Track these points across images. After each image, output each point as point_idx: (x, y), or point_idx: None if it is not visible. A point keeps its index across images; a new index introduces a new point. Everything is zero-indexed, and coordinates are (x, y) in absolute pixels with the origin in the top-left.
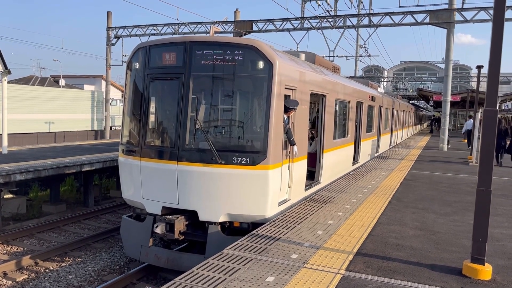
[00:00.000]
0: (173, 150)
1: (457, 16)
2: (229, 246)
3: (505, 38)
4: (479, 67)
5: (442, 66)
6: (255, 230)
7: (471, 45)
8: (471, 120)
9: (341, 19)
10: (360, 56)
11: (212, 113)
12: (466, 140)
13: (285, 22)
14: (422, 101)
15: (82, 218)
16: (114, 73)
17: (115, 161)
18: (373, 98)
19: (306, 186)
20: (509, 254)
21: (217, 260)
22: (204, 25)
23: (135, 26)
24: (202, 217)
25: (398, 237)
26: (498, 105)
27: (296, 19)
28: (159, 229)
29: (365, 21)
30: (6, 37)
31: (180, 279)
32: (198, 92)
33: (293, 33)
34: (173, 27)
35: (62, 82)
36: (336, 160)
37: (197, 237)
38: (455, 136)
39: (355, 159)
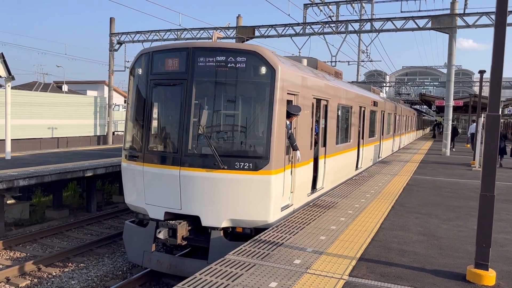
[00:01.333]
0: (176, 156)
1: (459, 21)
2: (232, 251)
3: (507, 43)
4: (482, 72)
5: (444, 71)
6: (258, 236)
7: (473, 50)
8: (475, 125)
9: (343, 25)
10: (362, 61)
11: (214, 119)
12: (469, 145)
13: (287, 28)
14: (424, 106)
15: (85, 223)
16: (116, 79)
17: (118, 167)
18: (375, 103)
19: (308, 191)
20: None
21: (220, 266)
22: (206, 31)
23: (137, 32)
24: (205, 222)
25: (401, 243)
26: (500, 110)
27: (298, 24)
28: (162, 235)
29: (367, 26)
30: (9, 43)
31: (183, 285)
32: (200, 98)
33: (295, 38)
34: (176, 33)
35: (65, 87)
36: (339, 165)
37: (199, 243)
38: (458, 141)
39: (357, 164)
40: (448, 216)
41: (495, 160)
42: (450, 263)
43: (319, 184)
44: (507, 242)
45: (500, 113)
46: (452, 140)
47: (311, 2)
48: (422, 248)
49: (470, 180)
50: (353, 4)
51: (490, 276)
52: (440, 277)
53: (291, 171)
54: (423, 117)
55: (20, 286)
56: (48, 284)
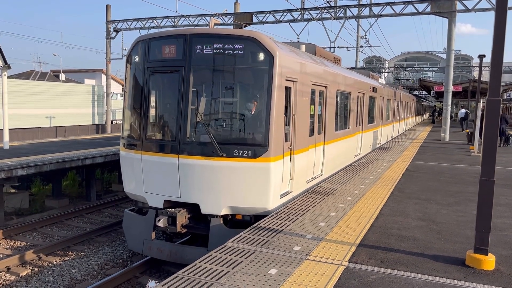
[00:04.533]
0: (174, 144)
1: (459, 5)
2: (231, 238)
3: (507, 27)
4: (481, 57)
5: (444, 56)
6: (258, 223)
7: (471, 34)
8: (463, 110)
9: (341, 10)
10: (361, 47)
11: (212, 106)
12: (468, 130)
13: (285, 14)
14: (423, 92)
15: (85, 212)
16: (114, 67)
17: (117, 155)
18: (374, 89)
19: (308, 178)
20: None
21: (220, 253)
22: (203, 18)
23: (134, 19)
24: (204, 210)
25: (400, 228)
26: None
27: (296, 10)
28: (162, 223)
29: (366, 11)
30: (5, 32)
31: (183, 272)
32: (198, 85)
33: (294, 24)
34: (173, 20)
35: (62, 76)
36: (338, 152)
37: (199, 230)
38: (456, 126)
39: (357, 151)
40: (448, 202)
41: (495, 145)
42: (449, 248)
43: (318, 171)
44: (506, 226)
45: (500, 97)
46: None
47: None
48: (422, 233)
49: (469, 166)
50: None
51: (489, 260)
52: (439, 262)
53: (290, 158)
54: (422, 103)
55: (20, 275)
56: (49, 272)
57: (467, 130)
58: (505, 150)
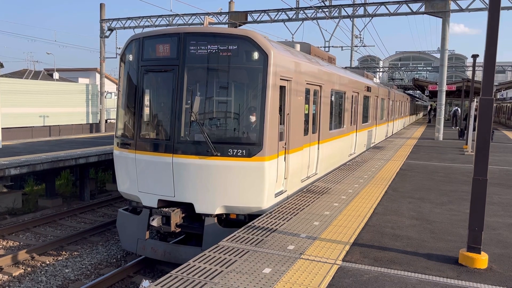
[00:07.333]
0: (168, 143)
1: (453, 5)
2: (225, 238)
3: (500, 27)
4: (475, 56)
5: (438, 55)
6: (252, 222)
7: (464, 34)
8: (456, 107)
9: (336, 9)
10: (355, 46)
11: (207, 105)
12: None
13: (280, 13)
14: (417, 91)
15: (78, 212)
16: (108, 66)
17: (111, 155)
18: (369, 89)
19: (302, 177)
20: (505, 243)
21: (214, 252)
22: (198, 17)
23: (128, 18)
24: (199, 209)
25: (394, 227)
26: (493, 93)
27: (291, 9)
28: (156, 222)
29: (361, 11)
30: None
31: (176, 272)
32: (192, 84)
33: (288, 23)
34: (167, 18)
35: (56, 75)
36: (332, 151)
37: (193, 230)
38: (448, 126)
39: (351, 150)
40: (441, 201)
41: (488, 144)
42: (442, 247)
43: (312, 170)
44: (499, 225)
45: (493, 97)
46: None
47: None
48: (415, 232)
49: (463, 165)
50: None
51: (482, 259)
52: (433, 261)
53: (285, 157)
54: (416, 102)
55: (13, 275)
56: (42, 272)
57: (459, 128)
58: (492, 147)
